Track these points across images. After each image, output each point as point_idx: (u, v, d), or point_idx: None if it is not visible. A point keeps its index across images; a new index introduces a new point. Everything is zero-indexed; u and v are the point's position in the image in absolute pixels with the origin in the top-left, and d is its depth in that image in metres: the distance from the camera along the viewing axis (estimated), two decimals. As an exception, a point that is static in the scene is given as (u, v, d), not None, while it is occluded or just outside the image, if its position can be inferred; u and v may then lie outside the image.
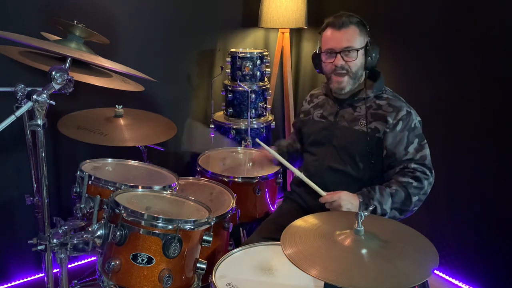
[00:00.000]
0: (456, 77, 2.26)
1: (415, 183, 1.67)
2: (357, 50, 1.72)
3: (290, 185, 2.02)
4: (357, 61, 1.73)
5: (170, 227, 1.42)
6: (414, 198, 1.67)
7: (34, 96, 1.35)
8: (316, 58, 1.84)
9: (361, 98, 1.78)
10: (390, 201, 1.65)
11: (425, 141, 1.73)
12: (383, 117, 1.72)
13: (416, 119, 1.74)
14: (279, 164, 2.08)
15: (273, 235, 1.75)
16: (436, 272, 2.43)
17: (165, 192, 1.70)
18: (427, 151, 1.72)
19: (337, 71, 1.74)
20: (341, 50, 1.72)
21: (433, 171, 1.71)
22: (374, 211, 1.64)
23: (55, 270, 1.58)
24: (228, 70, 2.72)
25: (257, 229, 1.90)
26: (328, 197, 1.65)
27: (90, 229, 1.48)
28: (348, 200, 1.63)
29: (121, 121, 2.04)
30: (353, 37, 1.72)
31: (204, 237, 1.52)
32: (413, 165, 1.69)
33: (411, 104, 1.79)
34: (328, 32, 1.76)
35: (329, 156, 1.81)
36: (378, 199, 1.65)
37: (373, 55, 1.74)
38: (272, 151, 1.92)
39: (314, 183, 1.75)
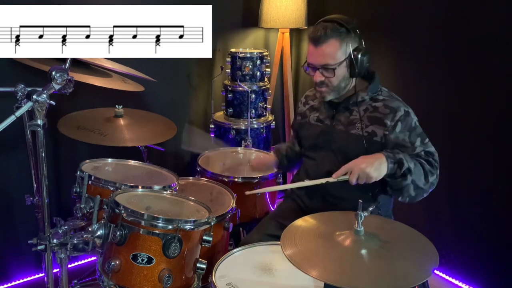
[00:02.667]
0: (456, 77, 2.26)
1: (428, 166, 1.62)
2: (334, 69, 1.65)
3: None
4: (337, 76, 1.67)
5: (170, 227, 1.42)
6: (431, 178, 1.61)
7: (34, 96, 1.35)
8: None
9: (356, 102, 1.77)
10: (413, 165, 1.58)
11: (428, 139, 1.70)
12: (380, 120, 1.69)
13: (414, 118, 1.73)
14: (278, 167, 2.07)
15: (274, 232, 1.75)
16: (436, 272, 2.43)
17: (165, 192, 1.70)
18: (432, 148, 1.69)
19: (318, 85, 1.73)
20: (320, 67, 1.67)
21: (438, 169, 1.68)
22: (400, 166, 1.55)
23: (55, 270, 1.58)
24: (228, 70, 2.72)
25: (258, 226, 1.90)
26: (335, 175, 1.58)
27: (90, 229, 1.48)
28: (368, 162, 1.55)
29: (121, 121, 2.04)
30: (331, 53, 1.64)
31: (204, 237, 1.52)
32: (423, 154, 1.66)
33: (410, 104, 1.78)
34: (309, 46, 1.70)
35: (327, 160, 1.79)
36: (403, 156, 1.58)
37: (360, 63, 1.65)
38: (260, 191, 1.93)
39: (315, 186, 1.74)
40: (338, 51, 1.64)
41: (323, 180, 1.61)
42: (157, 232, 1.42)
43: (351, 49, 1.65)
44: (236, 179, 2.09)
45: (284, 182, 3.00)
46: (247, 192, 1.77)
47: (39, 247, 1.49)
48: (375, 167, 1.54)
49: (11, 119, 1.33)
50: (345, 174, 1.57)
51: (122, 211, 1.42)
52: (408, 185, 1.59)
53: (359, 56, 1.65)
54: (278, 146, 2.07)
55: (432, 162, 1.65)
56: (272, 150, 1.99)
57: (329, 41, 1.63)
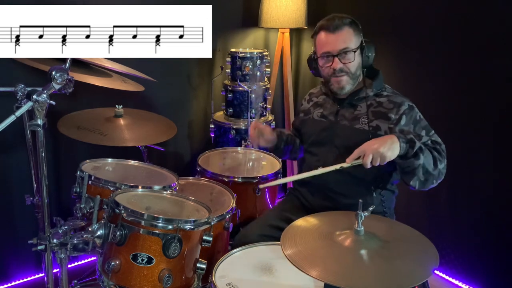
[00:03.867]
0: (456, 77, 2.26)
1: (436, 153, 1.63)
2: (354, 51, 1.72)
3: (293, 183, 2.02)
4: (355, 62, 1.73)
5: (170, 227, 1.42)
6: (440, 165, 1.61)
7: (34, 96, 1.35)
8: (312, 62, 1.83)
9: (361, 97, 1.77)
10: (423, 147, 1.59)
11: (433, 131, 1.71)
12: (385, 115, 1.71)
13: (419, 112, 1.73)
14: (274, 149, 2.02)
15: (275, 223, 1.77)
16: (436, 272, 2.43)
17: (165, 192, 1.70)
18: (438, 139, 1.70)
19: (336, 74, 1.74)
20: (338, 53, 1.71)
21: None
22: (412, 145, 1.55)
23: (55, 270, 1.58)
24: (228, 70, 2.72)
25: (259, 217, 1.90)
26: (349, 160, 1.57)
27: (90, 229, 1.48)
28: (381, 142, 1.54)
29: (121, 121, 2.04)
30: (349, 38, 1.72)
31: (204, 237, 1.52)
32: (429, 142, 1.66)
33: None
34: (322, 35, 1.74)
35: (331, 156, 1.79)
36: (413, 136, 1.59)
37: (369, 53, 1.74)
38: (274, 183, 1.93)
39: (318, 183, 1.74)
40: (354, 37, 1.73)
41: (337, 166, 1.60)
42: (157, 232, 1.42)
43: (362, 39, 1.74)
44: (236, 179, 2.09)
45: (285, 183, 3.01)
46: (261, 186, 1.80)
47: (39, 247, 1.49)
48: (388, 146, 1.53)
49: (11, 119, 1.33)
50: (357, 158, 1.56)
51: (122, 211, 1.42)
52: (420, 166, 1.58)
53: (369, 46, 1.74)
54: (281, 129, 2.06)
55: (439, 150, 1.65)
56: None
57: (345, 28, 1.72)
